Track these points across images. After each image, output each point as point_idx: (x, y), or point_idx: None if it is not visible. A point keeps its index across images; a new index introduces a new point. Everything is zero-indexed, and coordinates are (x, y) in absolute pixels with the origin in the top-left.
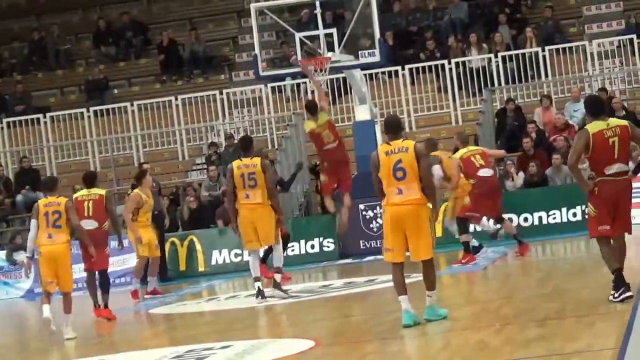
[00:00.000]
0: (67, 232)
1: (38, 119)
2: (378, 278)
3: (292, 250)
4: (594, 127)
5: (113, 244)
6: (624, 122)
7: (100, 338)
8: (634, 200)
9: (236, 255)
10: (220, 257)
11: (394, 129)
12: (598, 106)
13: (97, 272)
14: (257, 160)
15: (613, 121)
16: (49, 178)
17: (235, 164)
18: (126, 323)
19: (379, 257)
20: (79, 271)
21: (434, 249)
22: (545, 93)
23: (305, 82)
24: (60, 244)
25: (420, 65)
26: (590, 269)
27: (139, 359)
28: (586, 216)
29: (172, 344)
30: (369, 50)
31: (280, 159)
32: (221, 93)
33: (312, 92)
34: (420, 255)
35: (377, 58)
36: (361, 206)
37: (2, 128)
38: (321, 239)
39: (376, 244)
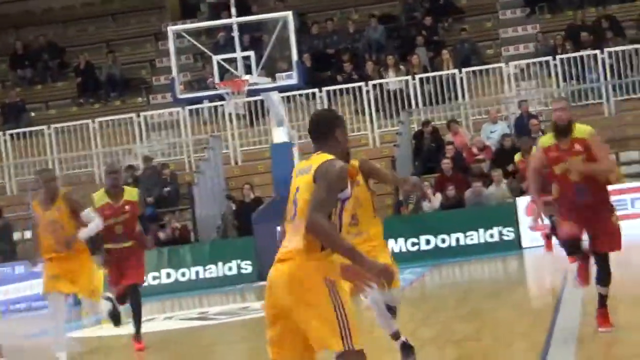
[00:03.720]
0: None
1: None
2: None
3: (210, 273)
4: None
5: None
6: None
7: None
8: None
9: (154, 278)
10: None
11: (315, 133)
12: None
13: None
14: None
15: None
16: None
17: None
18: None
19: None
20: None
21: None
22: (462, 115)
23: (222, 105)
24: None
25: (337, 87)
26: (507, 290)
27: None
28: (503, 237)
29: None
30: (287, 73)
31: (198, 182)
32: (138, 116)
33: (230, 114)
34: (324, 344)
35: (294, 80)
36: (279, 229)
37: None
38: (239, 261)
39: None
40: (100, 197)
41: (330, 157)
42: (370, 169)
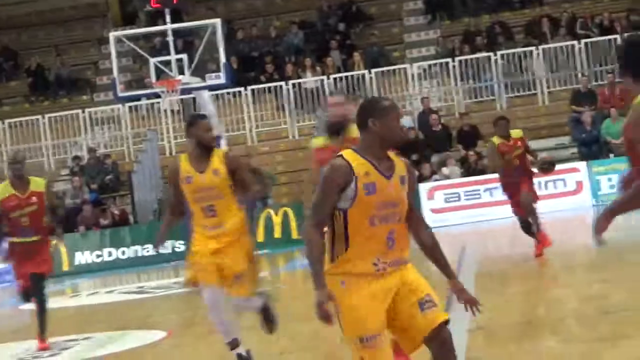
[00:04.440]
0: None
1: None
2: None
3: (147, 251)
4: None
5: None
6: None
7: None
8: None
9: (97, 256)
10: (83, 257)
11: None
12: None
13: None
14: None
15: None
16: None
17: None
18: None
19: None
20: None
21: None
22: None
23: (158, 102)
24: None
25: (261, 86)
26: None
27: (5, 353)
28: None
29: None
30: (216, 73)
31: (137, 170)
32: (83, 112)
33: (165, 110)
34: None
35: (222, 80)
36: None
37: None
38: (173, 241)
39: None
40: (3, 189)
41: (345, 152)
42: (237, 166)
